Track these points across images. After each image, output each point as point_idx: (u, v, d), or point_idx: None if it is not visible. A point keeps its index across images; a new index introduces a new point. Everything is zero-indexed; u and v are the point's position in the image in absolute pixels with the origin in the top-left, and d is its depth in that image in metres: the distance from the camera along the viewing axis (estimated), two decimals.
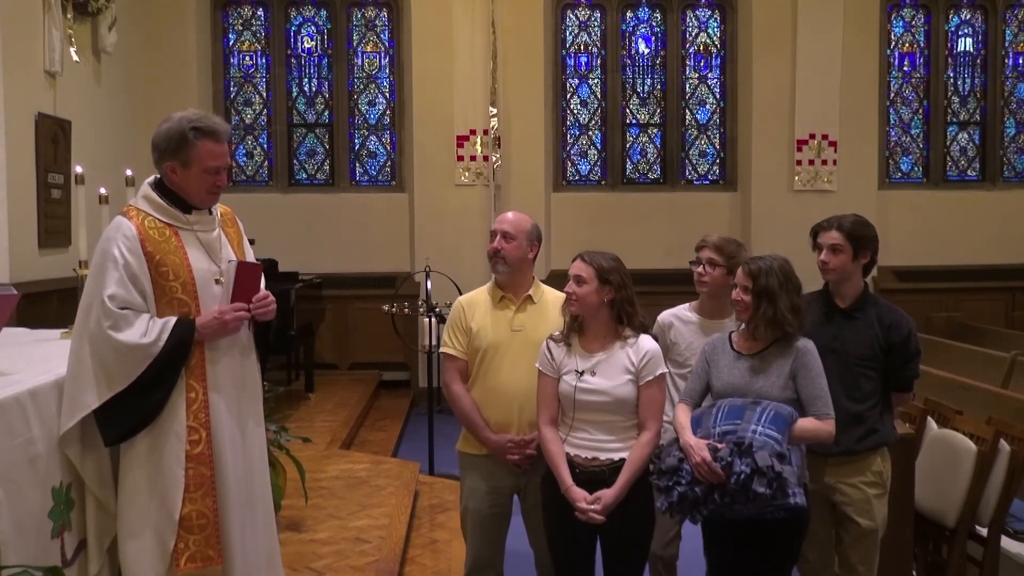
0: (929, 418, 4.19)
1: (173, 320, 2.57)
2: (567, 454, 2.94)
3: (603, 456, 2.90)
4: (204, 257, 2.68)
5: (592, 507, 2.83)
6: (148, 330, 2.52)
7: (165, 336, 2.53)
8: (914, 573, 3.93)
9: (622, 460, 2.89)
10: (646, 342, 3.00)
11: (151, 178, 2.72)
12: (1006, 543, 3.92)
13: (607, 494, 2.85)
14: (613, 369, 2.93)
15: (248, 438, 2.77)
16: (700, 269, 3.37)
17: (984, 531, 3.83)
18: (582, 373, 2.92)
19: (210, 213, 2.75)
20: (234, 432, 2.70)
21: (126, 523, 2.58)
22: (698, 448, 2.79)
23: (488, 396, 3.18)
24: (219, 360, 2.67)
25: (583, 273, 2.95)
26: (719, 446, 2.77)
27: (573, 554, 3.00)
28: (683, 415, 2.99)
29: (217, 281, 2.68)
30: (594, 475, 2.89)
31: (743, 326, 3.06)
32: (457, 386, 3.24)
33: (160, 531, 2.56)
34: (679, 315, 3.46)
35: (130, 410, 2.53)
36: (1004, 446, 3.79)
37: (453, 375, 3.26)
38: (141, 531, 2.56)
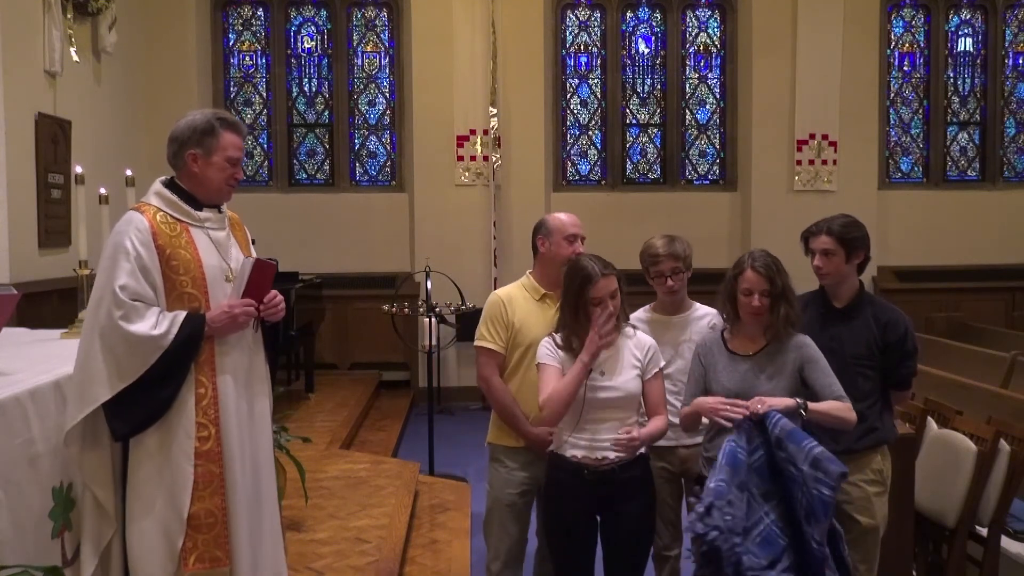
0: (929, 418, 4.19)
1: (183, 314, 2.57)
2: (574, 456, 2.94)
3: (612, 455, 2.92)
4: (215, 254, 2.69)
5: (627, 436, 2.88)
6: (159, 322, 2.52)
7: (175, 329, 2.53)
8: (914, 573, 3.93)
9: (643, 444, 2.92)
10: (644, 336, 3.07)
11: (162, 178, 2.75)
12: (1006, 543, 3.92)
13: (643, 431, 2.92)
14: (621, 365, 2.97)
15: (256, 436, 2.76)
16: (670, 282, 3.35)
17: (984, 531, 3.83)
18: (590, 372, 2.93)
19: (220, 212, 2.77)
20: (242, 429, 2.69)
21: (134, 521, 2.56)
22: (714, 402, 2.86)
23: (529, 391, 3.21)
24: (228, 355, 2.66)
25: (614, 285, 2.98)
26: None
27: (573, 552, 3.01)
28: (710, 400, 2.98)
29: (227, 279, 2.70)
30: (604, 475, 2.91)
31: (733, 326, 3.05)
32: (496, 380, 3.31)
33: (168, 529, 2.54)
34: (638, 317, 3.46)
35: (140, 405, 2.52)
36: (1004, 446, 3.79)
37: (492, 369, 3.32)
38: (149, 529, 2.54)
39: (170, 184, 2.72)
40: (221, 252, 2.72)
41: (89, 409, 2.50)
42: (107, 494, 2.61)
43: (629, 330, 3.04)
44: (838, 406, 2.88)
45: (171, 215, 2.66)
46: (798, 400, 2.83)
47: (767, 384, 2.91)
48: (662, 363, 3.06)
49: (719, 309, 3.13)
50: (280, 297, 2.79)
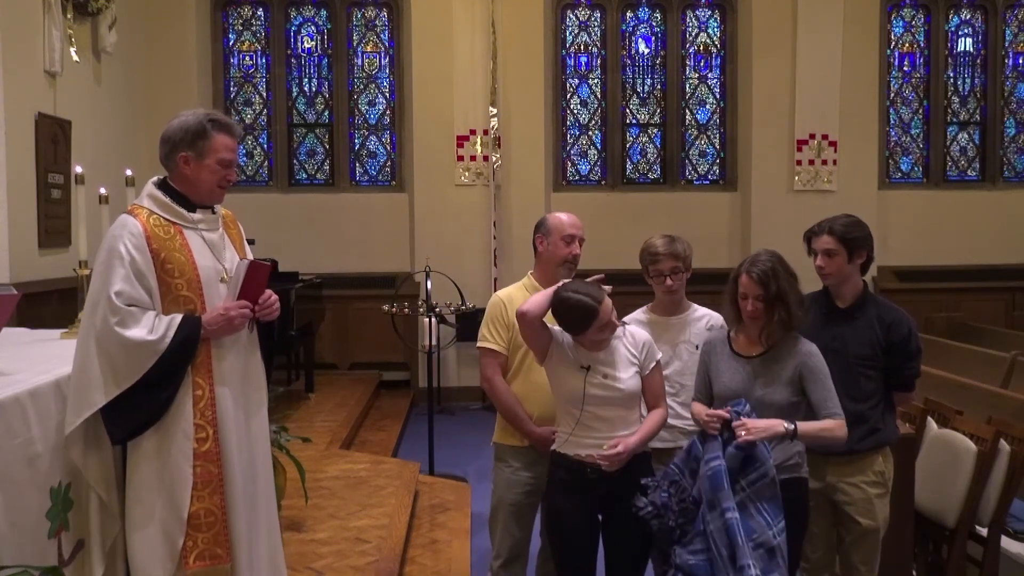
0: (929, 418, 4.19)
1: (179, 317, 2.57)
2: (576, 455, 2.94)
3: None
4: (209, 256, 2.69)
5: (613, 451, 2.86)
6: (155, 327, 2.52)
7: (172, 333, 2.53)
8: (914, 573, 3.93)
9: (631, 454, 2.91)
10: (638, 331, 3.08)
11: (155, 178, 2.74)
12: (1006, 543, 3.92)
13: (629, 440, 2.89)
14: (619, 363, 2.97)
15: (253, 436, 2.77)
16: (669, 281, 3.33)
17: (984, 531, 3.83)
18: (588, 369, 2.94)
19: (213, 212, 2.76)
20: (240, 429, 2.69)
21: (134, 522, 2.57)
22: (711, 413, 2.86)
23: (532, 391, 3.25)
24: (225, 357, 2.67)
25: (610, 302, 2.96)
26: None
27: (575, 551, 3.01)
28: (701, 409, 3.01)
29: (222, 280, 2.69)
30: (606, 474, 2.91)
31: (738, 327, 3.05)
32: (499, 380, 3.33)
33: (169, 529, 2.56)
34: (636, 318, 3.45)
35: (137, 408, 2.53)
36: (1004, 446, 3.79)
37: (495, 369, 3.34)
38: (150, 529, 2.55)
39: (162, 185, 2.71)
40: (215, 253, 2.71)
41: (86, 414, 2.50)
42: (111, 494, 2.63)
43: (619, 328, 3.03)
44: (829, 426, 2.88)
45: (164, 217, 2.65)
46: (786, 426, 2.81)
47: (763, 389, 2.91)
48: (659, 355, 3.07)
49: (724, 311, 3.14)
50: (275, 297, 2.79)
